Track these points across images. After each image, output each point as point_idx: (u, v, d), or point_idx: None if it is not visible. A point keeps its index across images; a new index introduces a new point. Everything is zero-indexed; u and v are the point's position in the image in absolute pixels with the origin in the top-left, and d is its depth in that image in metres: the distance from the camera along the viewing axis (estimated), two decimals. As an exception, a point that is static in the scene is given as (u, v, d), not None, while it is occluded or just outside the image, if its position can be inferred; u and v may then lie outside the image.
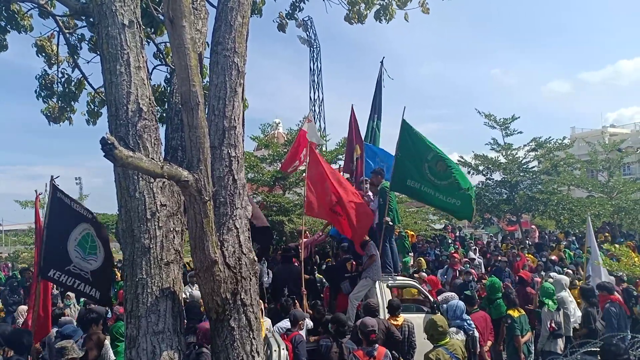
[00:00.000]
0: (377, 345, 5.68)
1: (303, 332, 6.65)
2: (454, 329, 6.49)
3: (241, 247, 3.81)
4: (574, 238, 18.67)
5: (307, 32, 33.54)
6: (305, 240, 10.81)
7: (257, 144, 19.55)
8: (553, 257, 13.83)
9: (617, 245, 8.82)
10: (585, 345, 6.39)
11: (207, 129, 3.36)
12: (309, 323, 7.18)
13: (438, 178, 8.67)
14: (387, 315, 7.27)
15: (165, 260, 3.68)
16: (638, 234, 20.42)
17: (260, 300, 5.69)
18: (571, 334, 8.12)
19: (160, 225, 3.68)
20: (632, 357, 3.63)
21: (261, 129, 20.21)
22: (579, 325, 8.07)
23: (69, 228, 5.90)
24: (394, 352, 6.31)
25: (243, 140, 4.04)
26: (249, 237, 3.93)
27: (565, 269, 11.58)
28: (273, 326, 6.68)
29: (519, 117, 19.85)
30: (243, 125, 4.03)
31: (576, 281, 10.20)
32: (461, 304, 6.86)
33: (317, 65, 34.57)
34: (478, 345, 6.41)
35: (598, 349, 5.75)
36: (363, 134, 11.49)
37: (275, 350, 4.98)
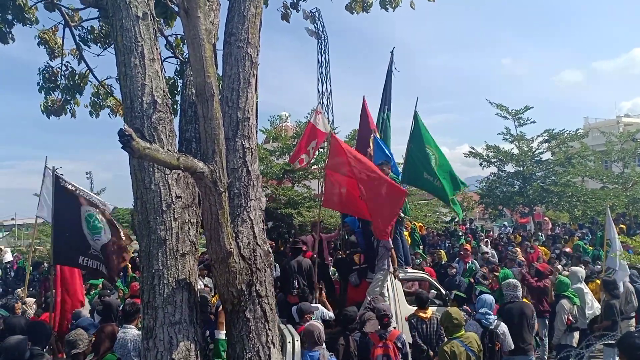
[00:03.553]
0: (390, 328, 5.89)
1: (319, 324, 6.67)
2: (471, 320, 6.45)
3: (256, 239, 3.81)
4: (587, 230, 18.47)
5: (315, 24, 33.39)
6: (327, 235, 10.78)
7: (266, 136, 19.55)
8: (567, 249, 13.70)
9: (634, 238, 8.64)
10: (603, 337, 6.33)
11: (222, 120, 3.35)
12: (327, 314, 7.15)
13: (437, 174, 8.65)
14: (415, 308, 7.20)
15: (181, 252, 3.69)
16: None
17: None
18: (586, 327, 8.04)
19: (175, 217, 3.69)
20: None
21: (270, 121, 20.20)
22: (599, 317, 7.99)
23: (77, 214, 6.12)
24: (422, 344, 6.45)
25: (256, 132, 4.04)
26: (263, 228, 3.93)
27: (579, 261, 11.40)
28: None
29: (532, 107, 19.68)
30: (256, 116, 4.02)
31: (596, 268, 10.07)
32: (487, 297, 6.75)
33: (325, 57, 34.42)
34: (504, 340, 6.25)
35: (614, 342, 5.70)
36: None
37: (289, 342, 4.99)
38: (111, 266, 6.27)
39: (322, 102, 33.33)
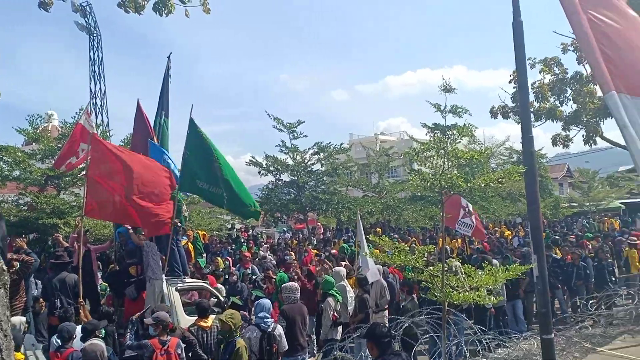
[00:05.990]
0: (169, 336, 5.91)
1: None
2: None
3: (-14, 255, 3.17)
4: (351, 234, 20.74)
5: (86, 19, 30.64)
6: (96, 247, 9.89)
7: (26, 138, 17.07)
8: (334, 252, 15.09)
9: (380, 237, 9.98)
10: (358, 329, 7.08)
11: None
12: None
13: (222, 183, 8.62)
14: (193, 318, 7.03)
15: None
16: (404, 228, 23.65)
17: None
18: (348, 321, 8.90)
19: None
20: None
21: (29, 120, 17.62)
22: (353, 311, 8.90)
23: None
24: (202, 354, 6.38)
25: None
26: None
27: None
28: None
29: (304, 122, 21.29)
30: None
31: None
32: (266, 302, 6.89)
33: (98, 55, 31.77)
34: (280, 341, 6.52)
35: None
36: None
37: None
38: None
39: (96, 103, 30.57)
